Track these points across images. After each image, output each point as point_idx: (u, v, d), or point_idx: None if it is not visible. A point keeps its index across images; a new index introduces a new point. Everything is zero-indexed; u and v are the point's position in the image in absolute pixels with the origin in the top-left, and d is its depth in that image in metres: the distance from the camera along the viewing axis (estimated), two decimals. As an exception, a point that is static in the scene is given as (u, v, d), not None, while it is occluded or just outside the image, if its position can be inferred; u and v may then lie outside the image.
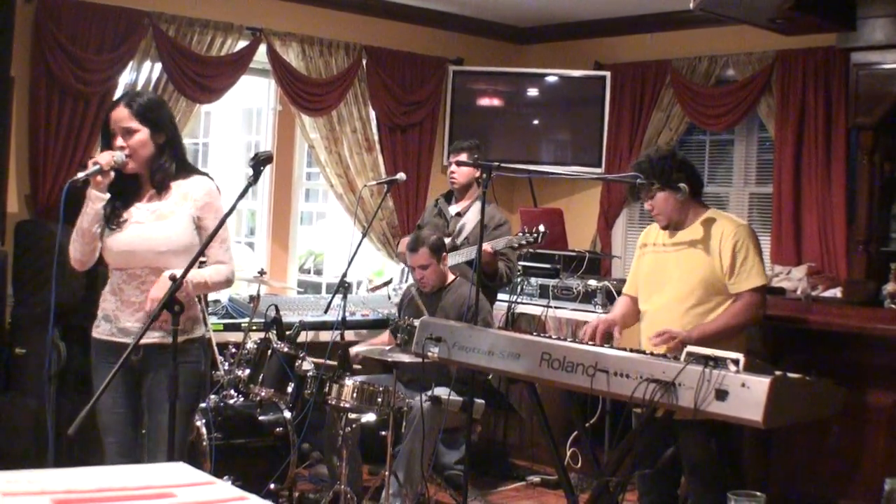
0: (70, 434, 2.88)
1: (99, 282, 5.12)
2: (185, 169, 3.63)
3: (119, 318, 3.56)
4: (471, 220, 5.65)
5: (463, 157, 5.64)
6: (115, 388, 3.51)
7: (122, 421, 3.60)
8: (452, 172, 5.73)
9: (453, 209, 5.81)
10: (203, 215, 3.56)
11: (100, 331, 3.62)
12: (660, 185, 3.98)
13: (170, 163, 3.56)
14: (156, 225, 3.52)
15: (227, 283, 3.68)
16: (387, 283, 6.24)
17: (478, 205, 5.62)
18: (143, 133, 3.50)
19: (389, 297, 6.07)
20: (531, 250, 5.65)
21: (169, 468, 2.30)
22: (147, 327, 3.21)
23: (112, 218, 3.55)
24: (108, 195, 3.49)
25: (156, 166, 3.55)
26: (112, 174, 3.46)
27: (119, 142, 3.49)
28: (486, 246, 5.22)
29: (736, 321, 3.91)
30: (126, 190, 3.56)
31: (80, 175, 3.42)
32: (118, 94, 5.88)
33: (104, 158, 3.43)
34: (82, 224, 3.52)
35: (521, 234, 5.26)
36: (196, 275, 3.49)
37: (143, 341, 3.46)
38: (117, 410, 3.58)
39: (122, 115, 3.49)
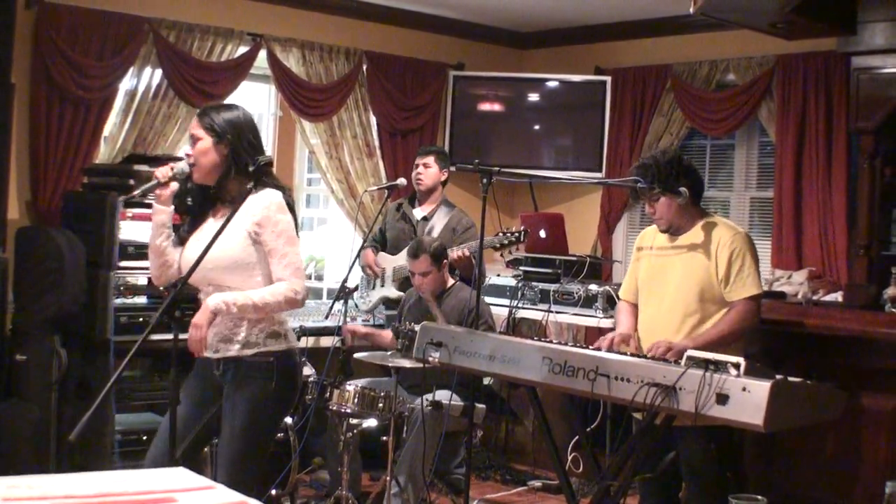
0: (71, 440, 2.88)
1: (99, 289, 5.15)
2: (261, 183, 3.44)
3: None
4: (438, 223, 5.69)
5: (430, 159, 5.74)
6: (188, 399, 3.45)
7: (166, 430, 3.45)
8: (419, 174, 5.76)
9: (418, 213, 5.81)
10: (259, 230, 3.39)
11: None
12: (661, 189, 3.97)
13: (235, 176, 3.44)
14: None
15: (288, 303, 3.39)
16: (354, 290, 6.07)
17: (444, 209, 5.72)
18: (205, 141, 3.41)
19: (357, 306, 5.92)
20: (525, 254, 5.67)
21: (169, 473, 2.30)
22: (149, 331, 3.09)
23: (184, 235, 3.51)
24: (171, 208, 3.43)
25: (222, 179, 3.46)
26: (173, 185, 3.40)
27: (187, 149, 3.47)
28: (465, 250, 5.28)
29: (730, 330, 3.89)
30: (202, 206, 3.51)
31: (137, 191, 3.37)
32: (118, 100, 5.91)
33: (161, 171, 3.38)
34: (150, 238, 3.49)
35: (501, 233, 5.26)
36: (241, 297, 3.34)
37: (220, 355, 3.43)
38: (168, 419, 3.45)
39: (194, 122, 3.48)
